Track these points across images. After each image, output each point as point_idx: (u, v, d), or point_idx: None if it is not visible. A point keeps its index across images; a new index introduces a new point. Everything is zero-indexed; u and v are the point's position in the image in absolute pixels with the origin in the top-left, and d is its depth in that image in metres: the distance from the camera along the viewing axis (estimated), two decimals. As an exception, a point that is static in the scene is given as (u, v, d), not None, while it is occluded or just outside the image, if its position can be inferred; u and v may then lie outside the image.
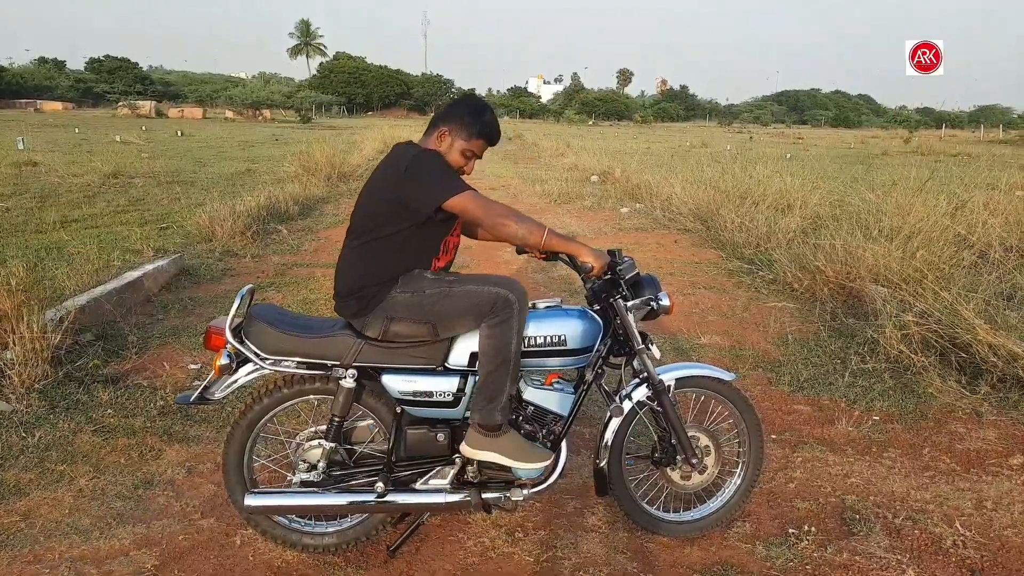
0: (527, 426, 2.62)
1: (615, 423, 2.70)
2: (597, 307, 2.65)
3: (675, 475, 2.81)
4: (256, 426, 2.59)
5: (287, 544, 2.67)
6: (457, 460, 2.59)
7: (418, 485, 2.58)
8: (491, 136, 2.55)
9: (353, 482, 2.60)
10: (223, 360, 2.46)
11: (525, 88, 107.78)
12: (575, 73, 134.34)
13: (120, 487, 3.10)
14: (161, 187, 11.92)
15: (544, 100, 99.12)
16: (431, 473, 2.59)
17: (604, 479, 2.69)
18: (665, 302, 2.59)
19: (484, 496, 2.55)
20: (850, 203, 8.97)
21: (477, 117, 2.51)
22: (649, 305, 2.61)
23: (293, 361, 2.49)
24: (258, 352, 2.46)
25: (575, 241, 2.44)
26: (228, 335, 2.46)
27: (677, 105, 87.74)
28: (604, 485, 2.70)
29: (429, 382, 2.51)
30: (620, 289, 2.59)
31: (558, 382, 2.67)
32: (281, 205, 10.05)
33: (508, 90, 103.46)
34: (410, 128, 28.23)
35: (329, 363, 2.48)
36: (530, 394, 2.62)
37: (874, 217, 7.27)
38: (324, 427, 2.60)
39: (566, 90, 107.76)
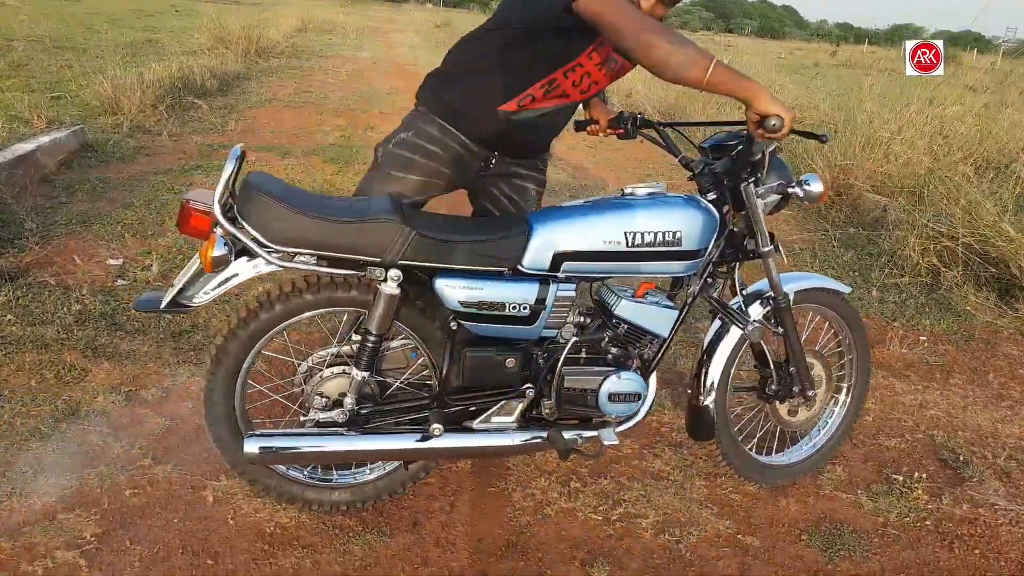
0: (615, 350, 1.99)
1: (726, 349, 2.11)
2: (712, 196, 2.00)
3: (783, 410, 2.27)
4: (256, 345, 1.85)
5: (284, 499, 1.99)
6: (529, 392, 1.95)
7: (476, 424, 1.94)
8: None
9: (392, 421, 1.93)
10: (218, 250, 1.67)
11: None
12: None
13: (34, 420, 2.30)
14: (48, 53, 10.12)
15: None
16: (494, 409, 1.95)
17: (710, 420, 2.11)
18: (816, 187, 1.96)
19: (567, 436, 1.94)
20: (824, 110, 8.53)
21: None
22: (789, 192, 1.99)
23: (313, 255, 1.75)
24: (263, 240, 1.70)
25: (751, 79, 1.71)
26: (219, 214, 1.67)
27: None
28: (710, 427, 2.13)
29: (500, 289, 1.83)
30: (749, 171, 1.95)
31: (652, 294, 2.03)
32: (197, 78, 8.66)
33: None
34: (329, 8, 25.82)
35: (364, 260, 1.75)
36: (623, 309, 1.97)
37: (854, 125, 6.83)
38: (347, 348, 1.92)
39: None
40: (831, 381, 2.31)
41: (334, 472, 2.05)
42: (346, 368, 1.93)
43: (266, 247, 1.70)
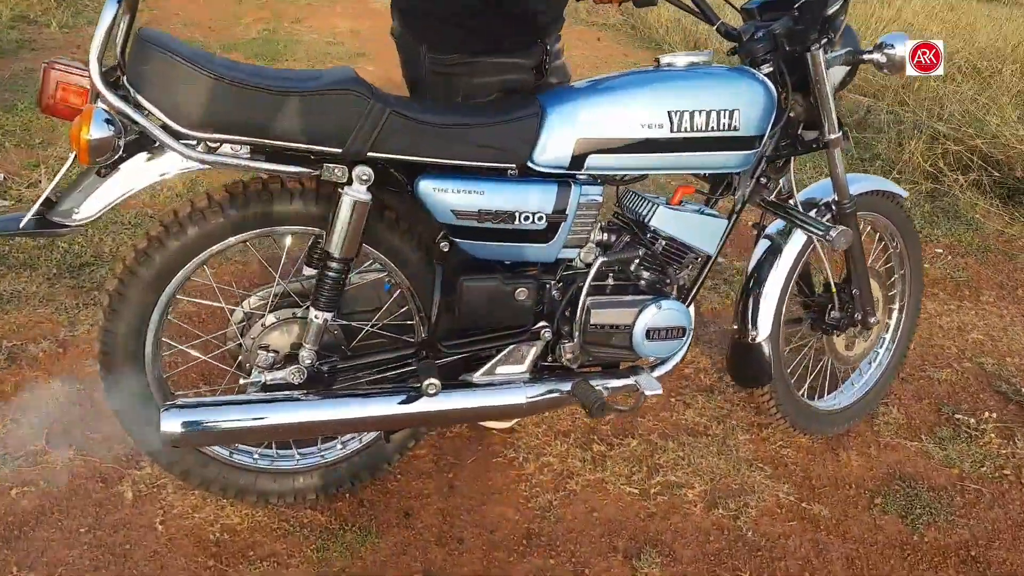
0: (648, 274, 1.53)
1: (784, 267, 1.68)
2: (767, 69, 1.51)
3: (840, 343, 1.88)
4: (166, 288, 1.31)
5: (230, 492, 1.49)
6: (545, 333, 1.49)
7: (477, 377, 1.47)
8: None
9: (365, 378, 1.44)
10: (97, 130, 1.10)
11: None
12: None
13: None
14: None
15: None
16: (500, 357, 1.48)
17: (765, 362, 1.69)
18: (902, 48, 1.50)
19: (597, 386, 1.49)
20: None
21: None
22: (865, 60, 1.53)
23: (244, 144, 1.20)
24: (169, 122, 1.15)
25: None
26: (98, 78, 1.10)
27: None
28: (765, 371, 1.71)
29: (508, 193, 1.35)
30: (819, 31, 1.47)
31: (690, 201, 1.57)
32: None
33: None
34: None
35: (320, 151, 1.22)
36: (662, 218, 1.50)
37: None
38: (297, 285, 1.43)
39: None
40: (884, 303, 1.92)
41: (295, 451, 1.56)
42: (296, 311, 1.42)
43: (174, 132, 1.14)
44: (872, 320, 1.80)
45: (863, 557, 1.61)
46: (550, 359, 1.54)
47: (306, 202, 1.31)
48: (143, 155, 1.19)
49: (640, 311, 1.49)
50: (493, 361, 1.47)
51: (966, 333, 2.55)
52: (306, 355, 1.37)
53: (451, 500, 1.63)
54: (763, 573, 1.54)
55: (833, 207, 1.68)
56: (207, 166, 1.21)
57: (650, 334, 1.50)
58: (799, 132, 1.62)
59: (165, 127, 1.15)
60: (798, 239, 1.69)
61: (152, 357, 1.37)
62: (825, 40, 1.47)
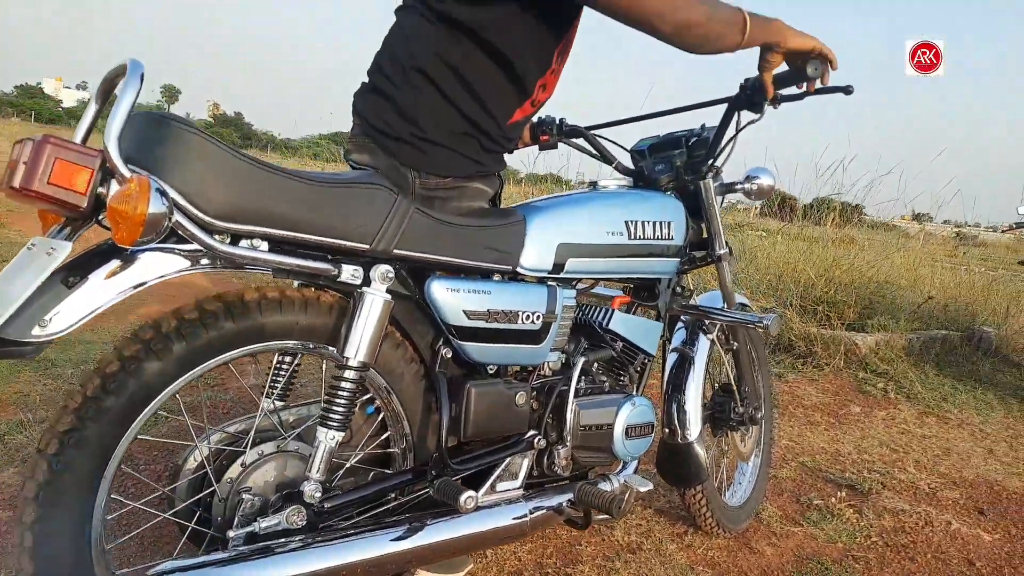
0: (613, 374, 1.62)
1: (701, 366, 1.85)
2: (671, 194, 1.78)
3: (738, 438, 2.06)
4: (138, 418, 1.05)
5: None
6: (538, 441, 1.46)
7: (481, 497, 1.36)
8: None
9: (371, 513, 1.26)
10: (155, 206, 0.92)
11: (40, 89, 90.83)
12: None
13: None
14: None
15: (67, 106, 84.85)
16: (498, 471, 1.41)
17: (698, 459, 1.79)
18: (767, 180, 1.85)
19: (604, 489, 1.47)
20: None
21: None
22: (737, 189, 1.86)
23: (267, 239, 1.09)
24: (198, 209, 1.00)
25: (773, 18, 1.43)
26: (119, 162, 0.94)
27: (232, 131, 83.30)
28: (699, 467, 1.80)
29: (510, 294, 1.36)
30: (709, 162, 1.77)
31: (627, 308, 1.73)
32: None
33: (16, 88, 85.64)
34: None
35: (348, 246, 1.15)
36: (618, 322, 1.62)
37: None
38: (275, 416, 1.30)
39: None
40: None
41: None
42: (280, 443, 1.23)
43: (198, 222, 1.01)
44: (760, 415, 2.04)
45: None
46: (536, 471, 1.49)
47: (314, 312, 1.19)
48: (160, 254, 1.01)
49: (619, 409, 1.53)
50: (492, 477, 1.38)
51: (777, 441, 2.96)
52: (311, 490, 1.16)
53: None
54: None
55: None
56: (219, 264, 1.06)
57: (628, 432, 1.54)
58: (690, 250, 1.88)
59: (188, 214, 1.00)
60: (704, 344, 1.90)
61: (101, 520, 1.05)
62: (714, 172, 1.79)
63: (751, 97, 1.58)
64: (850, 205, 7.48)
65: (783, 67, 1.48)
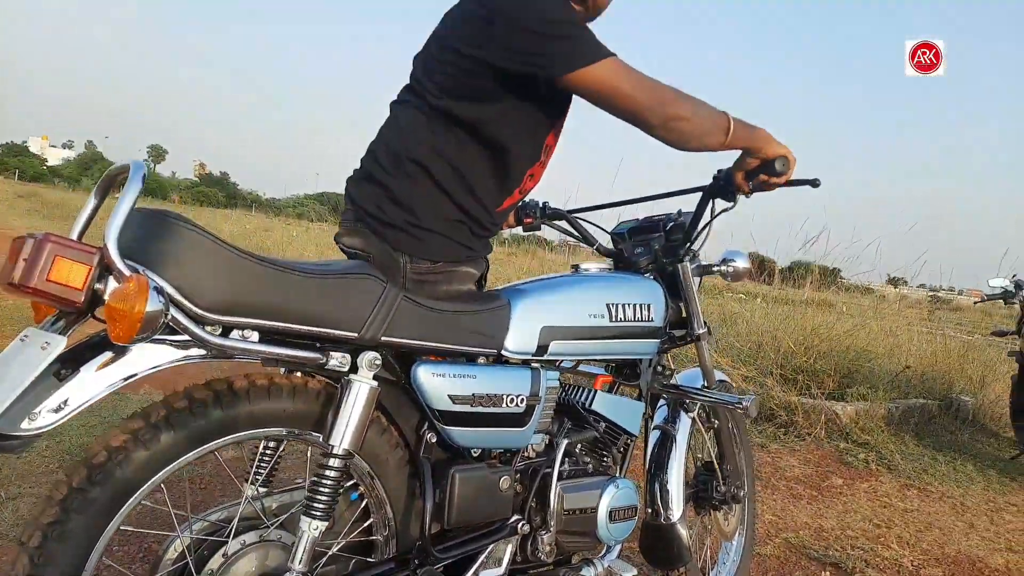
0: (596, 455, 1.64)
1: (683, 445, 1.87)
2: (649, 276, 1.83)
3: (721, 517, 2.06)
4: (122, 508, 1.04)
5: None
6: (522, 526, 1.46)
7: None
8: None
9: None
10: (153, 304, 0.94)
11: (26, 147, 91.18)
12: (90, 141, 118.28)
13: None
14: None
15: (52, 164, 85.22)
16: (481, 559, 1.40)
17: (681, 540, 1.79)
18: (742, 263, 1.91)
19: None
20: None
21: None
22: (714, 271, 1.92)
23: (257, 330, 1.11)
24: (192, 303, 1.03)
25: (757, 126, 1.53)
26: (118, 260, 0.96)
27: (218, 191, 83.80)
28: (683, 548, 1.80)
29: (495, 378, 1.38)
30: (687, 246, 1.82)
31: (608, 386, 1.76)
32: None
33: (1, 146, 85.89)
34: None
35: (336, 335, 1.18)
36: (600, 403, 1.65)
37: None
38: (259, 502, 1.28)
39: (81, 157, 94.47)
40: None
41: None
42: (262, 532, 1.23)
43: (191, 315, 1.03)
44: (742, 493, 2.05)
45: None
46: (519, 557, 1.49)
47: (302, 399, 1.20)
48: (153, 346, 1.03)
49: (602, 493, 1.54)
50: (477, 564, 1.38)
51: (760, 516, 2.95)
52: (301, 584, 1.15)
53: None
54: None
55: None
56: (209, 355, 1.08)
57: (612, 515, 1.55)
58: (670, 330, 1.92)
59: (181, 307, 1.03)
60: (686, 422, 1.92)
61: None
62: (691, 255, 1.85)
63: (724, 187, 1.65)
64: (827, 268, 7.64)
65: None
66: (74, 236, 1.06)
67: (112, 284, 0.97)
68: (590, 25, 1.45)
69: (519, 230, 2.11)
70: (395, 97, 1.47)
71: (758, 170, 1.56)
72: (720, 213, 1.75)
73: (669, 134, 1.38)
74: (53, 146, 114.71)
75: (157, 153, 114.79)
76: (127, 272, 0.95)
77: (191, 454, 1.11)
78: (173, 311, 1.00)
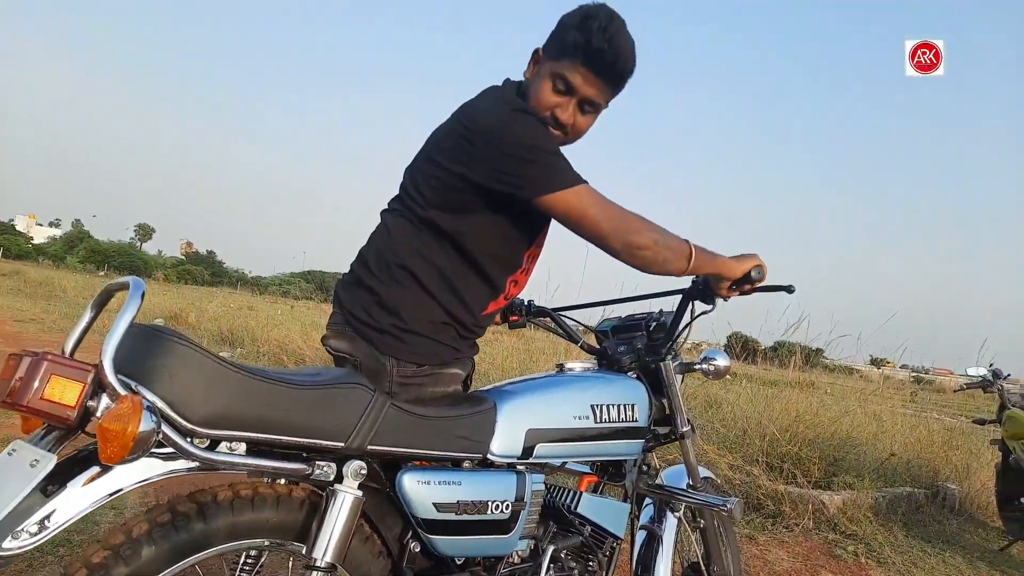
0: (581, 559, 1.62)
1: (670, 544, 1.85)
2: (632, 376, 1.85)
3: (710, 622, 2.02)
4: None
5: None
6: None
7: None
8: (589, 54, 1.42)
9: None
10: (146, 424, 0.96)
11: (12, 225, 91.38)
12: (77, 219, 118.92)
13: None
14: None
15: (37, 242, 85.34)
16: None
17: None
18: (722, 362, 1.94)
19: None
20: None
21: (576, 23, 1.44)
22: (696, 369, 1.95)
23: (244, 442, 1.13)
24: (181, 417, 1.05)
25: (719, 254, 1.61)
26: (113, 378, 0.98)
27: (203, 269, 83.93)
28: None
29: (480, 484, 1.39)
30: (668, 346, 1.86)
31: (593, 486, 1.76)
32: None
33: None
34: None
35: (322, 445, 1.19)
36: (585, 505, 1.64)
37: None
38: None
39: (67, 235, 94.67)
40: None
41: None
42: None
43: (180, 429, 1.04)
44: (732, 598, 2.02)
45: None
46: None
47: (285, 509, 1.20)
48: (144, 462, 1.04)
49: (588, 599, 1.53)
50: None
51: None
52: None
53: None
54: None
55: (688, 489, 1.97)
56: (197, 468, 1.09)
57: (598, 623, 1.53)
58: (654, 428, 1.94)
59: (171, 421, 1.04)
60: (672, 522, 1.91)
61: None
62: (673, 353, 1.89)
63: (703, 291, 1.71)
64: (811, 348, 7.72)
65: None
66: (68, 348, 1.08)
67: (105, 401, 0.99)
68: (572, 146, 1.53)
69: (505, 327, 2.15)
70: (385, 206, 1.54)
71: (736, 282, 1.63)
72: (700, 315, 1.80)
73: (632, 259, 1.45)
74: (40, 224, 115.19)
75: (144, 231, 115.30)
76: (121, 391, 0.97)
77: (171, 569, 1.10)
78: (164, 427, 1.01)
